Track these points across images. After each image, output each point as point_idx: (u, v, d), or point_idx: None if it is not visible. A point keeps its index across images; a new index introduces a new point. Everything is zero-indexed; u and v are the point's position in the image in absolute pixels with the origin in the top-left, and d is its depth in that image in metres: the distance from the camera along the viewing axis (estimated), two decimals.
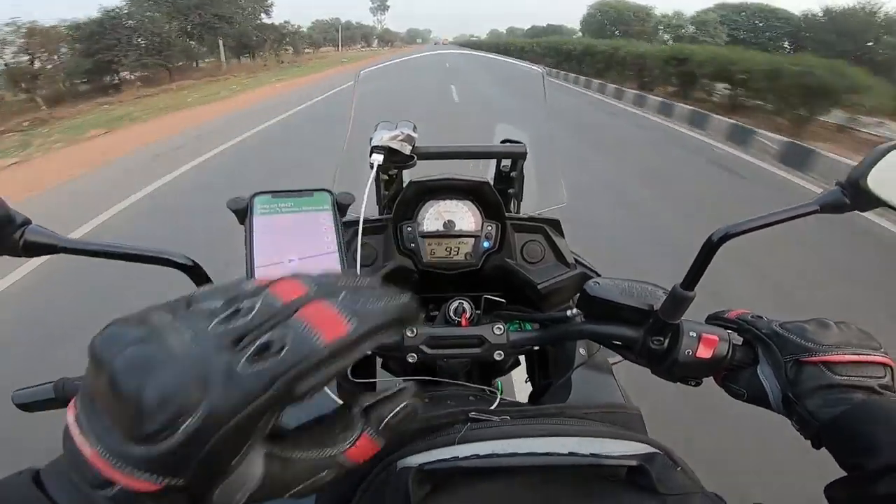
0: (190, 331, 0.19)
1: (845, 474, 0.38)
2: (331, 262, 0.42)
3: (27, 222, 0.41)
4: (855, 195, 0.45)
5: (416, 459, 0.36)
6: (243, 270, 0.40)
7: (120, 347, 0.18)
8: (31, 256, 0.41)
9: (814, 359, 0.43)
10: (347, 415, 0.25)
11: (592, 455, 0.36)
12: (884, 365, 0.42)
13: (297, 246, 0.42)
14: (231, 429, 0.18)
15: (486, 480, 0.36)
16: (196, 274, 0.42)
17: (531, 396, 0.88)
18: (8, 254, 0.40)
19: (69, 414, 0.20)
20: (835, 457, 0.40)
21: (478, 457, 0.35)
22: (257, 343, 0.19)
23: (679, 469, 0.37)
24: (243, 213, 0.43)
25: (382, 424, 0.25)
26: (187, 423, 0.17)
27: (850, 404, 0.40)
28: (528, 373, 0.96)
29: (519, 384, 1.06)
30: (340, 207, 0.45)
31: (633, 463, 0.36)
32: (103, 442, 0.18)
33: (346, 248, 0.44)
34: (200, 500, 0.20)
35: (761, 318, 0.50)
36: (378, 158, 0.65)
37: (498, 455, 0.36)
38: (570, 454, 0.36)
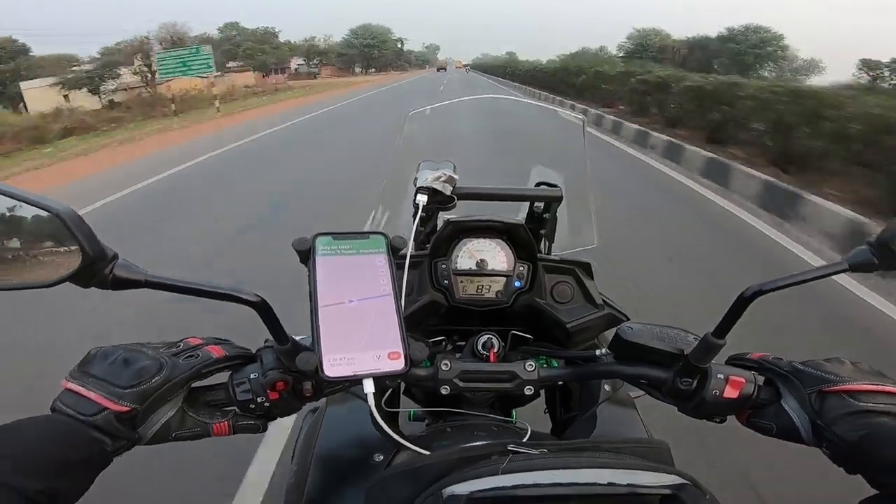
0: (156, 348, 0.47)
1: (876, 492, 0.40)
2: (386, 304, 0.45)
3: (116, 257, 0.41)
4: (883, 256, 0.47)
5: (462, 488, 0.38)
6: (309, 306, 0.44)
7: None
8: (118, 289, 0.42)
9: (835, 388, 0.46)
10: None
11: (629, 485, 0.38)
12: None
13: (355, 287, 0.46)
14: (171, 385, 0.44)
15: None
16: (263, 310, 0.46)
17: (555, 429, 0.89)
18: (98, 286, 0.41)
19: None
20: (864, 476, 0.42)
21: (524, 486, 0.37)
22: (186, 352, 0.47)
23: (708, 497, 0.39)
24: (306, 255, 0.46)
25: (234, 419, 0.49)
26: (153, 379, 0.43)
27: (874, 427, 0.43)
28: (547, 405, 0.97)
29: (533, 415, 1.06)
30: (394, 250, 0.49)
31: (667, 492, 0.38)
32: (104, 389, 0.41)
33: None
34: (142, 420, 0.43)
35: (781, 358, 0.54)
36: (423, 199, 0.69)
37: (542, 485, 0.38)
38: (610, 484, 0.38)
